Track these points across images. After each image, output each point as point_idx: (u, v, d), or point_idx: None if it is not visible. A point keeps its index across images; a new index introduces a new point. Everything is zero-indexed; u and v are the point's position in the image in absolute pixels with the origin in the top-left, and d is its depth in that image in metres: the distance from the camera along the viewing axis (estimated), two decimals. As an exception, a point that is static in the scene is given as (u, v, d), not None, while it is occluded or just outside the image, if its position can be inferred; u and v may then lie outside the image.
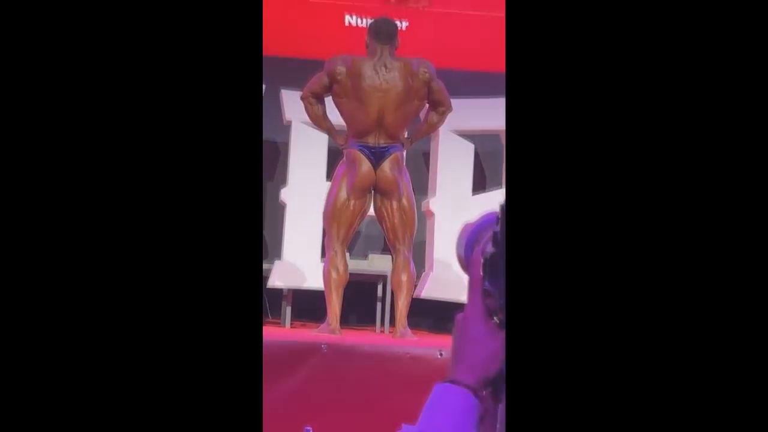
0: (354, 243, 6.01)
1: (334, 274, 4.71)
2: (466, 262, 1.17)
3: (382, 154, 4.67)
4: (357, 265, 5.67)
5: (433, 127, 4.89)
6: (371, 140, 4.71)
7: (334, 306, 4.71)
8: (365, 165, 4.69)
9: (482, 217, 1.18)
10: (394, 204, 4.66)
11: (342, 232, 4.76)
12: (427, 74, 4.65)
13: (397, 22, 5.30)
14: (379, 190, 4.71)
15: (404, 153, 4.78)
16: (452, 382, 1.11)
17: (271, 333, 4.59)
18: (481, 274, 1.11)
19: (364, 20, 6.49)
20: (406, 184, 4.72)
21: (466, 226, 1.17)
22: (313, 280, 5.86)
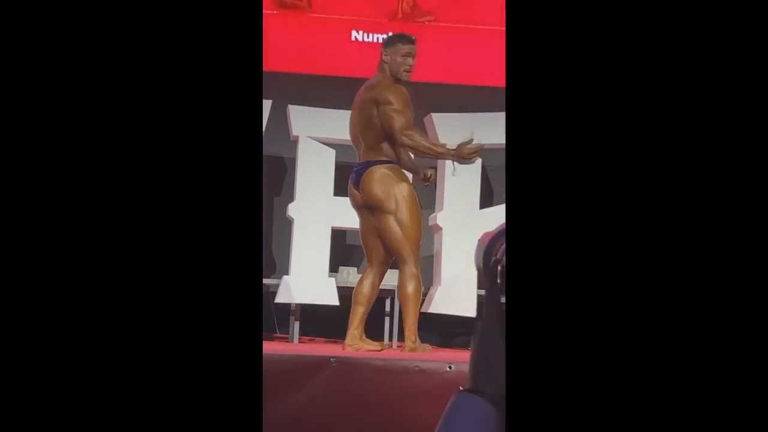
0: (361, 258, 6.01)
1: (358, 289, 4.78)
2: (484, 273, 1.17)
3: (363, 171, 4.69)
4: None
5: (414, 151, 4.77)
6: (357, 158, 4.77)
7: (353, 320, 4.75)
8: (349, 184, 4.76)
9: (499, 227, 1.19)
10: (388, 218, 4.66)
11: (364, 251, 4.84)
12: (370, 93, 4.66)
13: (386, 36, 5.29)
14: (367, 206, 4.73)
15: (395, 167, 4.72)
16: (471, 391, 1.12)
17: (279, 348, 4.59)
18: (498, 283, 1.11)
19: (371, 36, 6.52)
20: (402, 198, 4.68)
21: (485, 236, 1.18)
22: (321, 295, 5.87)
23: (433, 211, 6.26)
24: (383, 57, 4.76)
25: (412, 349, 4.62)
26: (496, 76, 5.90)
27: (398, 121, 4.56)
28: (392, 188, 4.64)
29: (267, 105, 6.12)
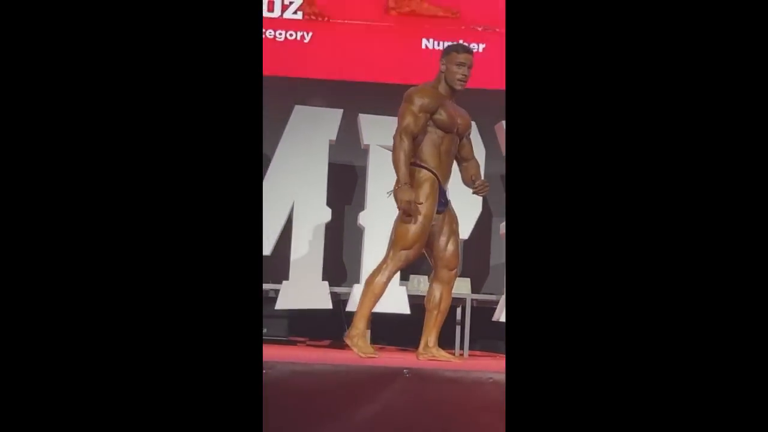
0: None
1: None
2: None
3: None
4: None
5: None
6: None
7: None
8: None
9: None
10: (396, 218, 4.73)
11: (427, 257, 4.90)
12: None
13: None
14: None
15: (420, 170, 4.70)
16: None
17: (350, 357, 4.59)
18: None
19: (441, 43, 6.51)
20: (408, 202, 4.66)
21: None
22: (393, 304, 5.86)
23: (504, 219, 6.23)
24: (440, 65, 4.78)
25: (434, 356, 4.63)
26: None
27: (404, 122, 4.62)
28: (405, 192, 4.63)
29: (338, 114, 6.14)
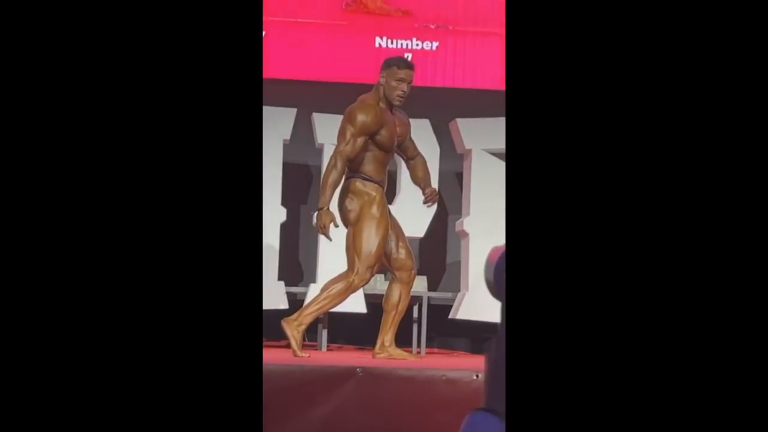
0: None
1: None
2: (497, 287, 1.15)
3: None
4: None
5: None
6: None
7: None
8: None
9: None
10: (348, 230, 4.75)
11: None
12: None
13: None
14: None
15: (368, 183, 4.75)
16: (486, 410, 1.10)
17: (305, 359, 4.57)
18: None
19: (394, 42, 6.50)
20: (363, 211, 4.69)
21: (494, 251, 1.16)
22: (348, 303, 5.85)
23: (460, 217, 6.23)
24: (380, 78, 4.73)
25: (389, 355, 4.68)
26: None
27: (341, 145, 4.63)
28: (356, 202, 4.68)
29: (291, 113, 6.12)
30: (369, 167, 4.73)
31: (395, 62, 4.76)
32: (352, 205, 4.71)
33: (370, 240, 4.66)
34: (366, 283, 4.79)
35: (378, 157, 4.73)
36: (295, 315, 4.73)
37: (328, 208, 4.64)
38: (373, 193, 4.73)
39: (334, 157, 4.66)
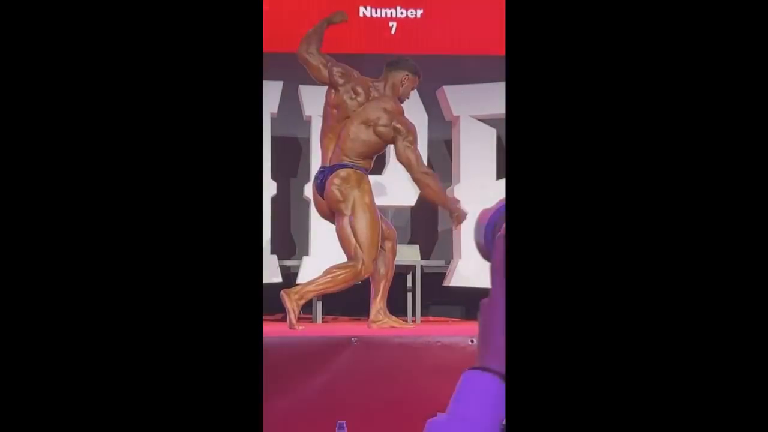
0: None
1: None
2: (486, 249, 1.15)
3: (329, 174, 4.82)
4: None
5: (424, 189, 5.01)
6: (322, 160, 5.02)
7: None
8: (313, 191, 5.10)
9: (500, 202, 1.17)
10: (343, 220, 4.77)
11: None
12: None
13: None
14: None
15: (359, 173, 4.81)
16: (480, 368, 1.10)
17: (299, 331, 4.58)
18: (505, 258, 1.09)
19: (378, 11, 6.47)
20: (358, 201, 4.74)
21: (484, 212, 1.16)
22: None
23: (450, 184, 6.23)
24: (399, 75, 4.90)
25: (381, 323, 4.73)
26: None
27: (417, 157, 4.86)
28: (351, 192, 4.75)
29: (278, 86, 6.10)
30: (363, 157, 4.85)
31: (417, 72, 4.97)
32: (346, 194, 4.75)
33: (370, 230, 4.76)
34: (371, 274, 4.84)
35: (374, 146, 4.86)
36: (296, 288, 4.74)
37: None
38: (364, 182, 4.82)
39: (422, 171, 4.87)
